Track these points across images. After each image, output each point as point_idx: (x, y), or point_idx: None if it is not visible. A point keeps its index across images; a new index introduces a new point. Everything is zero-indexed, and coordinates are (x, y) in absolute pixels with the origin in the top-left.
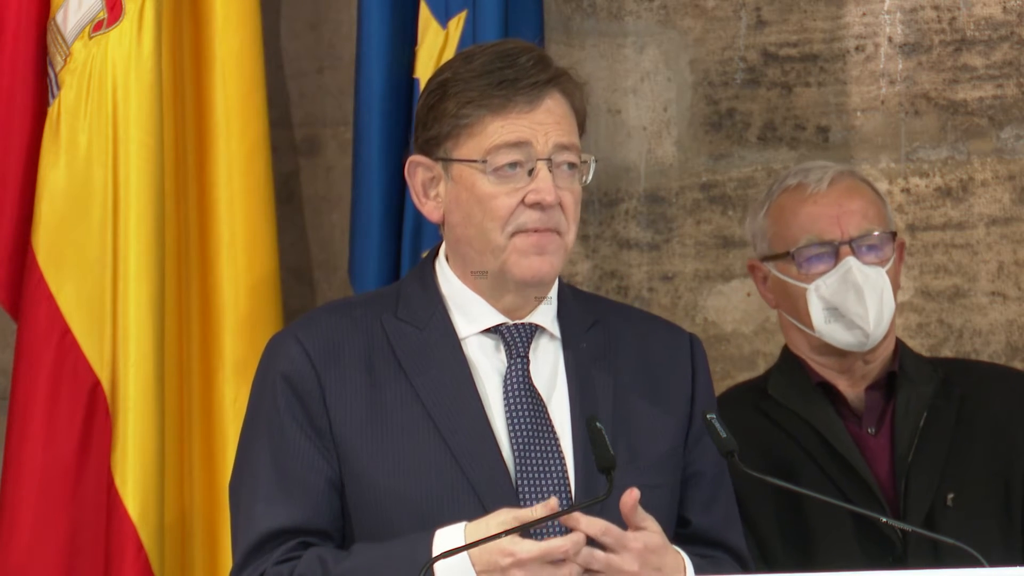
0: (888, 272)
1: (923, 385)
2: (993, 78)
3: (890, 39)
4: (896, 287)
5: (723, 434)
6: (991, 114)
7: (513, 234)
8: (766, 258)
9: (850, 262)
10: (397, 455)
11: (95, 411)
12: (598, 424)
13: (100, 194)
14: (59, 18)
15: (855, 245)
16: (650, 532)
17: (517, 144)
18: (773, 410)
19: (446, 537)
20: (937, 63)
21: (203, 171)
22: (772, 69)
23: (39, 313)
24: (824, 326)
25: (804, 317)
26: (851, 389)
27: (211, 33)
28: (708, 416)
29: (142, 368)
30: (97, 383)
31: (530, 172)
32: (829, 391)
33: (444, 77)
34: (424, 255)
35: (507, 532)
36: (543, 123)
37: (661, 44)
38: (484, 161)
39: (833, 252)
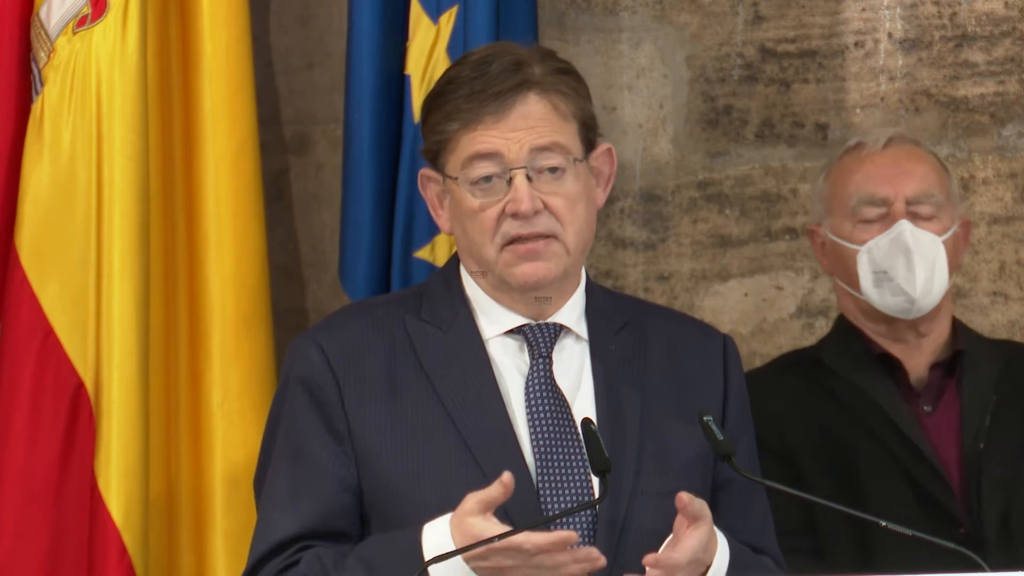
0: (945, 243)
1: (987, 366)
2: (995, 74)
3: (890, 35)
4: (955, 265)
5: (720, 436)
6: (992, 111)
7: (502, 247)
8: (823, 221)
9: (903, 225)
10: (417, 458)
11: (78, 413)
12: (593, 427)
13: (84, 192)
14: (43, 13)
15: (911, 208)
16: (701, 529)
17: (488, 156)
18: (829, 380)
19: (434, 532)
20: (938, 59)
21: (190, 169)
22: (770, 65)
23: (22, 313)
24: (872, 289)
25: (854, 280)
26: (913, 365)
27: (198, 28)
28: (705, 418)
29: (126, 369)
30: (81, 384)
31: (509, 182)
32: (889, 364)
33: (433, 88)
34: (416, 254)
35: (508, 534)
36: (516, 130)
37: (657, 40)
38: (459, 177)
39: (887, 213)
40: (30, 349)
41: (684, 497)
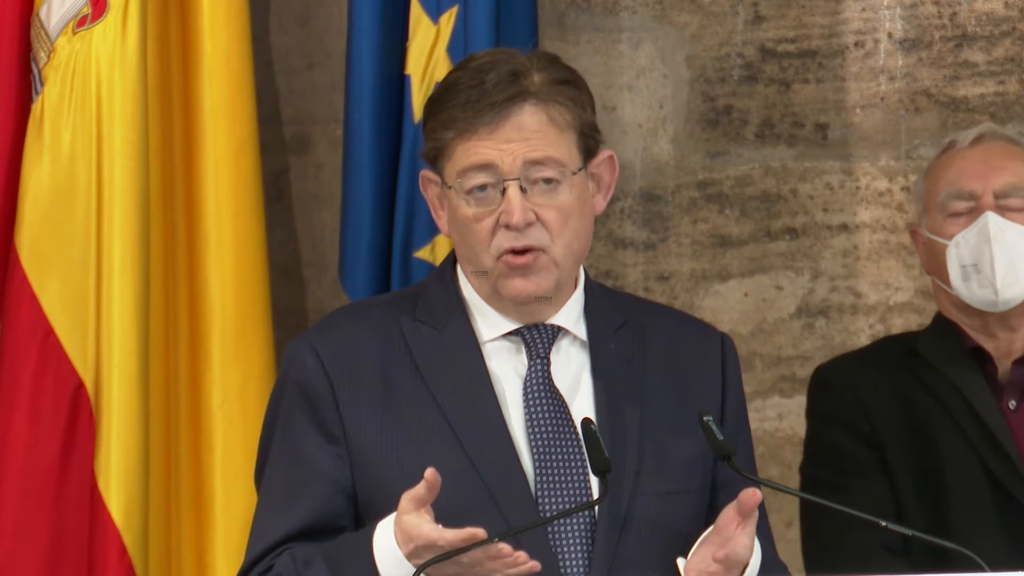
0: None
1: None
2: (995, 74)
3: (890, 35)
4: None
5: (720, 437)
6: (993, 111)
7: (498, 256)
8: (920, 220)
9: (987, 216)
10: (413, 460)
11: (78, 413)
12: (593, 427)
13: (84, 192)
14: (43, 13)
15: (1000, 202)
16: (751, 525)
17: (482, 167)
18: (921, 371)
19: (382, 531)
20: (938, 59)
21: (190, 169)
22: (770, 65)
23: (22, 313)
24: (960, 283)
25: (945, 275)
26: (1003, 359)
27: (198, 28)
28: (705, 418)
29: (126, 369)
30: (81, 384)
31: (503, 192)
32: (980, 358)
33: (434, 91)
34: (416, 254)
35: (482, 543)
36: (510, 141)
37: (657, 40)
38: (453, 186)
39: (976, 207)
40: (30, 349)
41: (759, 494)
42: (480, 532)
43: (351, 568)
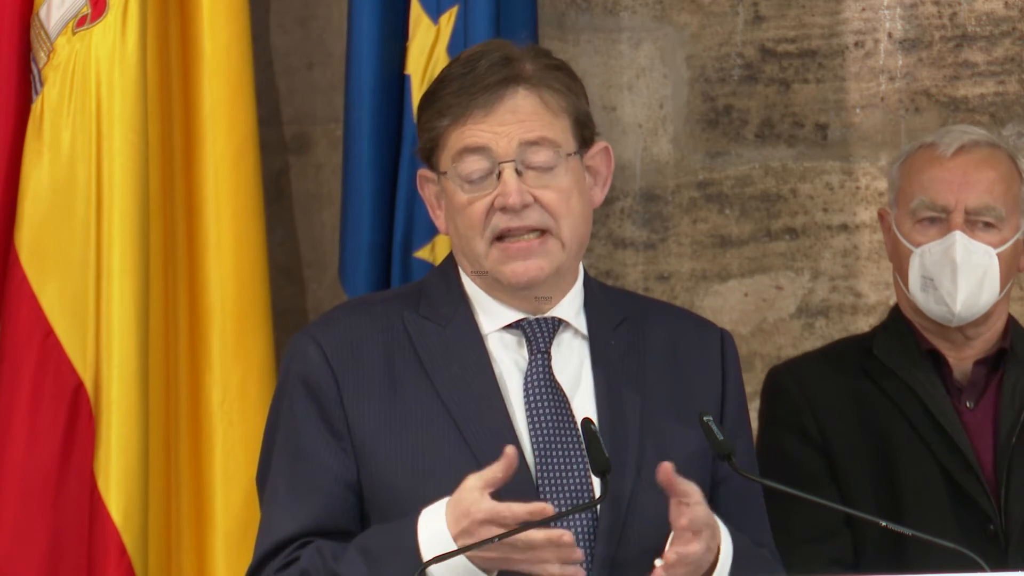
0: (1001, 254)
1: None
2: (994, 74)
3: (890, 35)
4: (1014, 272)
5: (719, 436)
6: (992, 111)
7: (492, 241)
8: (891, 209)
9: (955, 236)
10: (416, 454)
11: (78, 413)
12: (593, 427)
13: (84, 192)
14: (42, 13)
15: (970, 218)
16: (695, 506)
17: (477, 150)
18: (877, 372)
19: (429, 519)
20: (938, 59)
21: (190, 169)
22: (770, 65)
23: (21, 313)
24: (919, 292)
25: (905, 278)
26: (959, 361)
27: (198, 28)
28: (705, 418)
29: (126, 369)
30: (80, 384)
31: (498, 176)
32: (936, 359)
33: (427, 87)
34: (416, 254)
35: (501, 536)
36: (504, 124)
37: (657, 40)
38: (448, 172)
39: (946, 220)
40: (30, 349)
41: (667, 465)
42: (548, 507)
43: (389, 556)
